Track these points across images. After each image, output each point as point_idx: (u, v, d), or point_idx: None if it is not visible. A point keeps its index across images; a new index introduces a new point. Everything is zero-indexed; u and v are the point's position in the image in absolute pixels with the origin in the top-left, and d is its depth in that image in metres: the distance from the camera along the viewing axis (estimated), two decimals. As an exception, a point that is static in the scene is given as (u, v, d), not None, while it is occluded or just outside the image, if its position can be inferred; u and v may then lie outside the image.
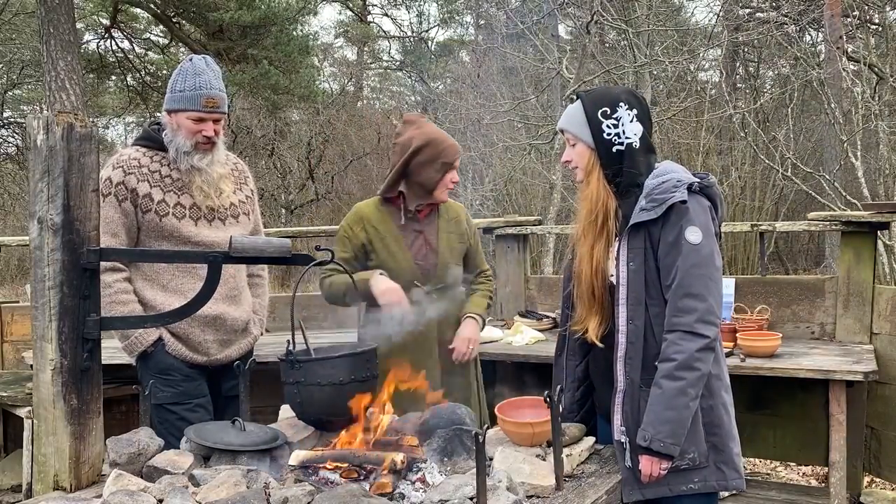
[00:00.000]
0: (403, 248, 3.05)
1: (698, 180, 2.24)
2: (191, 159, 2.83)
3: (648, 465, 2.16)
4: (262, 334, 3.12)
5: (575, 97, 2.39)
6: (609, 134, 2.24)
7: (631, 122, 2.25)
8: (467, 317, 3.14)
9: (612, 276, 2.28)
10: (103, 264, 2.63)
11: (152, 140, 2.87)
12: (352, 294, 2.92)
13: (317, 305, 5.40)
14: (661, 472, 2.17)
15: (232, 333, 2.94)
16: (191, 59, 2.86)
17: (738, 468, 2.28)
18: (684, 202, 2.17)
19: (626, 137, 2.24)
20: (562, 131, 2.36)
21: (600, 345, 2.30)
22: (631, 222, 2.21)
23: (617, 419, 2.25)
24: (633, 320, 2.21)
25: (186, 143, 2.81)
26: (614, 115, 2.24)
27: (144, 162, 2.82)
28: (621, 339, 2.23)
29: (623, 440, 2.23)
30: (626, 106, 2.25)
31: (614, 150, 2.25)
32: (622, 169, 2.25)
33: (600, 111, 2.25)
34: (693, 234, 2.16)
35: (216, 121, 2.84)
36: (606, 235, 2.26)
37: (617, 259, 2.24)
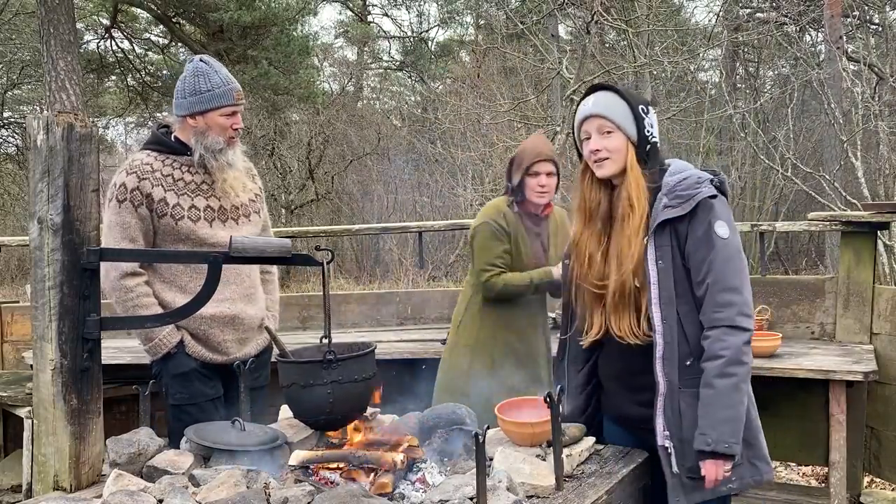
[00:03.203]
0: (528, 248, 3.37)
1: (713, 176, 2.23)
2: (225, 156, 2.87)
3: (713, 470, 2.10)
4: (275, 329, 3.15)
5: (597, 87, 2.32)
6: (648, 131, 2.23)
7: (656, 123, 2.27)
8: None
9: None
10: (123, 268, 2.73)
11: (163, 144, 2.89)
12: (531, 287, 3.31)
13: (316, 306, 5.41)
14: (725, 475, 2.12)
15: (249, 331, 2.98)
16: (201, 60, 2.88)
17: (767, 460, 2.26)
18: (713, 197, 2.16)
19: (655, 137, 2.25)
20: (591, 118, 2.24)
21: (645, 340, 2.21)
22: (658, 220, 2.16)
23: (659, 423, 2.18)
24: (666, 319, 2.16)
25: (220, 140, 2.84)
26: (649, 115, 2.24)
27: (157, 167, 2.84)
28: (658, 339, 2.16)
29: (668, 445, 2.17)
30: (653, 109, 2.28)
31: (647, 147, 2.23)
32: (648, 166, 2.23)
33: (640, 106, 2.23)
34: (722, 228, 2.14)
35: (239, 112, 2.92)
36: (643, 233, 2.20)
37: (645, 259, 2.18)
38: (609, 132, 2.22)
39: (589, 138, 2.25)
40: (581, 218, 2.32)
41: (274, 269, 3.25)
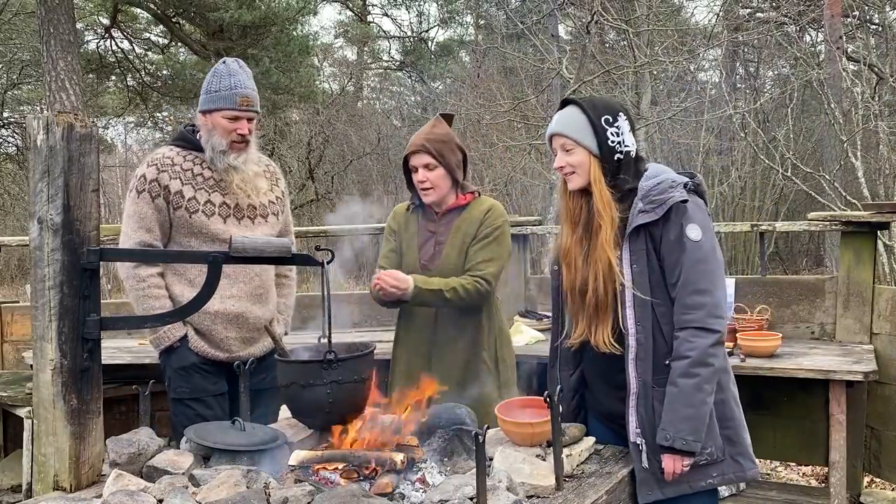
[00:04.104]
0: (414, 248, 3.02)
1: (689, 179, 2.29)
2: (227, 158, 2.91)
3: (671, 464, 2.19)
4: (286, 333, 3.17)
5: (565, 102, 2.38)
6: (613, 142, 2.28)
7: (627, 132, 2.31)
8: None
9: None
10: None
11: (187, 141, 2.96)
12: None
13: (317, 306, 5.40)
14: (683, 469, 2.19)
15: (255, 331, 2.99)
16: (224, 62, 2.95)
17: (752, 458, 2.32)
18: (684, 201, 2.21)
19: (626, 146, 2.30)
20: (554, 136, 2.34)
21: (618, 350, 2.29)
22: (632, 225, 2.23)
23: (632, 421, 2.26)
24: (640, 322, 2.23)
25: (222, 142, 2.89)
26: (616, 124, 2.29)
27: (178, 161, 2.91)
28: (631, 341, 2.24)
29: (639, 441, 2.24)
30: (624, 116, 2.31)
31: (615, 157, 2.29)
32: (618, 176, 2.29)
33: (603, 118, 2.28)
34: (693, 231, 2.20)
35: (250, 119, 2.92)
36: (616, 241, 2.27)
37: (620, 263, 2.25)
38: (571, 149, 2.30)
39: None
40: (567, 226, 2.39)
41: (293, 272, 3.28)
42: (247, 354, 2.93)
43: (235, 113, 2.87)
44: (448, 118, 3.07)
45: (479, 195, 3.09)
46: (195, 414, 2.81)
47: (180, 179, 2.87)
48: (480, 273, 2.90)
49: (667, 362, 2.21)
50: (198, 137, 2.95)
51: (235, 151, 2.92)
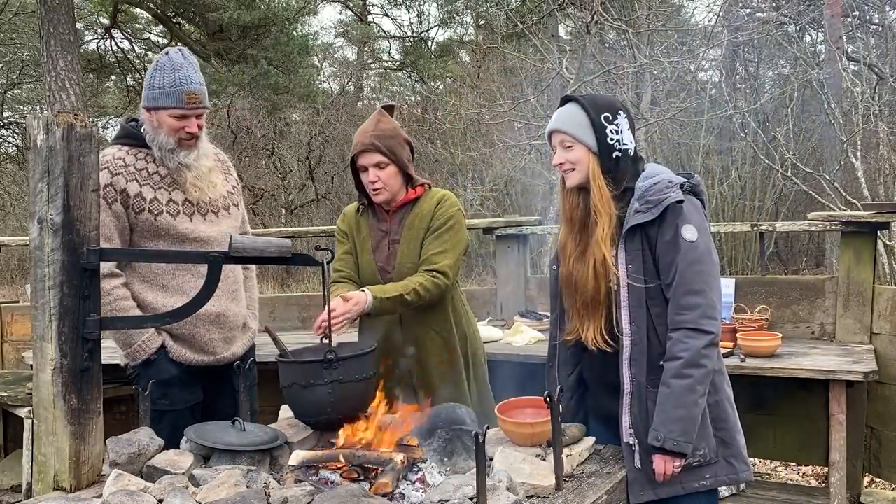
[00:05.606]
0: (368, 251, 2.88)
1: (686, 180, 2.29)
2: (176, 156, 2.76)
3: (662, 464, 2.19)
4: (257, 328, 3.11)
5: (566, 99, 2.39)
6: (612, 139, 2.28)
7: (626, 130, 2.31)
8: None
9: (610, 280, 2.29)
10: (100, 269, 2.65)
11: (133, 138, 2.80)
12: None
13: (316, 306, 5.41)
14: (675, 471, 2.19)
15: (235, 330, 2.92)
16: (167, 53, 2.76)
17: (746, 460, 2.32)
18: (680, 202, 2.21)
19: (624, 144, 2.30)
20: (553, 132, 2.35)
21: (609, 349, 2.29)
22: (628, 225, 2.23)
23: (625, 421, 2.27)
24: (635, 322, 2.23)
25: (170, 140, 2.74)
26: (615, 122, 2.29)
27: (129, 161, 2.75)
28: (626, 341, 2.24)
29: (632, 442, 2.25)
30: (624, 114, 2.31)
31: (613, 155, 2.29)
32: (616, 174, 2.29)
33: (603, 116, 2.28)
34: (689, 232, 2.20)
35: (199, 116, 2.76)
36: (612, 239, 2.28)
37: (616, 262, 2.25)
38: (570, 146, 2.31)
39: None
40: (565, 223, 2.41)
41: (253, 266, 3.14)
42: (230, 355, 2.87)
43: (182, 111, 2.70)
44: (390, 110, 2.94)
45: (430, 187, 2.92)
46: (170, 425, 2.65)
47: (137, 181, 2.71)
48: (436, 266, 2.74)
49: (661, 363, 2.21)
50: (143, 132, 2.76)
51: (185, 149, 2.76)
